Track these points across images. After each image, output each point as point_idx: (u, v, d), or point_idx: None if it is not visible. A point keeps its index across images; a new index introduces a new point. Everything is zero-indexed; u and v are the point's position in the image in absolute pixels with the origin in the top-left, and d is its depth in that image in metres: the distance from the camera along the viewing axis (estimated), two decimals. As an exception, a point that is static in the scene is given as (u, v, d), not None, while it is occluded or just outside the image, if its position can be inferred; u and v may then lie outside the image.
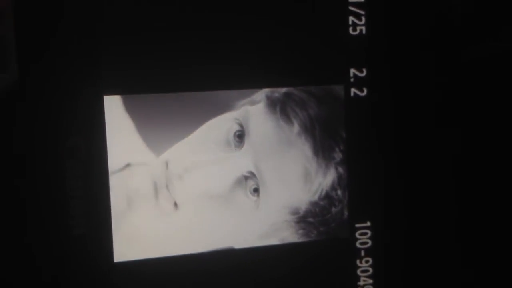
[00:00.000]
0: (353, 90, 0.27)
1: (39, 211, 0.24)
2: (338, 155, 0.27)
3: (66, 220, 0.24)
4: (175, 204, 0.25)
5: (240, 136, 0.26)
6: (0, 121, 0.23)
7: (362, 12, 0.27)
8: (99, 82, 0.24)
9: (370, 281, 0.28)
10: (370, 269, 0.28)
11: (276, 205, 0.26)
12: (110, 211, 0.24)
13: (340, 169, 0.27)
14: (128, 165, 0.25)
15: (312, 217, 0.26)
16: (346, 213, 0.27)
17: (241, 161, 0.26)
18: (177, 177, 0.25)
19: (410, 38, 0.27)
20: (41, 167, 0.24)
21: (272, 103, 0.26)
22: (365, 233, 0.27)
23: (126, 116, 0.24)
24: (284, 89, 0.26)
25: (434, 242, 0.28)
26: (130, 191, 0.25)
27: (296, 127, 0.26)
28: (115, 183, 0.24)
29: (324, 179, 0.26)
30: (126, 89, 0.24)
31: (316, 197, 0.26)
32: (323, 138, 0.26)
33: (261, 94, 0.26)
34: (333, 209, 0.27)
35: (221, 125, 0.25)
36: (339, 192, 0.27)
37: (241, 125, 0.26)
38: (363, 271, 0.28)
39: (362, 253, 0.27)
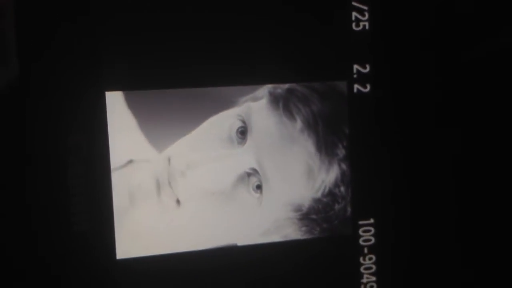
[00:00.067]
0: (356, 86, 0.27)
1: (41, 208, 0.24)
2: (341, 152, 0.26)
3: (68, 217, 0.24)
4: (178, 201, 0.25)
5: (243, 132, 0.26)
6: (1, 118, 0.23)
7: (365, 7, 0.26)
8: (101, 78, 0.24)
9: (373, 278, 0.27)
10: (373, 267, 0.27)
11: (279, 202, 0.26)
12: (112, 208, 0.24)
13: (343, 166, 0.27)
14: (130, 161, 0.25)
15: (315, 214, 0.26)
16: (349, 210, 0.27)
17: (244, 158, 0.26)
18: (179, 173, 0.25)
19: (413, 34, 0.27)
20: (43, 164, 0.24)
21: (274, 99, 0.26)
22: (368, 230, 0.27)
23: (128, 112, 0.24)
24: (287, 85, 0.26)
25: (438, 240, 0.28)
26: (132, 188, 0.25)
27: (299, 123, 0.26)
28: (117, 179, 0.24)
29: (327, 176, 0.26)
30: (128, 85, 0.24)
31: (319, 194, 0.26)
32: (326, 134, 0.26)
33: (263, 90, 0.26)
34: (336, 206, 0.27)
35: (224, 121, 0.25)
36: (342, 188, 0.27)
37: (243, 122, 0.26)
38: (366, 269, 0.27)
39: (365, 250, 0.27)
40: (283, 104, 0.26)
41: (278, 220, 0.26)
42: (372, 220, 0.27)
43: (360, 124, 0.27)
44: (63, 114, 0.24)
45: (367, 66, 0.27)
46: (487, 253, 0.28)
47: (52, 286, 0.24)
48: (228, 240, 0.26)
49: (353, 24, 0.26)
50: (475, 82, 0.28)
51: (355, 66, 0.27)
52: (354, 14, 0.26)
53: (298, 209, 0.26)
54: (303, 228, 0.26)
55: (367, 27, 0.26)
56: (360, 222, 0.27)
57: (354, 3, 0.26)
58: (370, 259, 0.27)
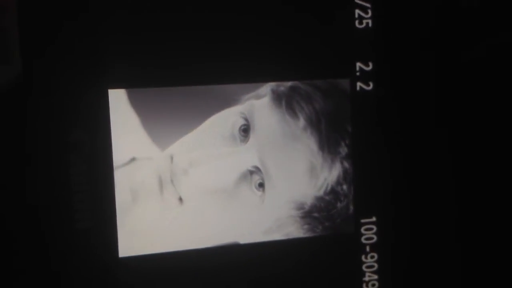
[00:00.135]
0: (359, 84, 0.27)
1: (44, 205, 0.24)
2: (343, 150, 0.26)
3: (70, 215, 0.24)
4: (180, 199, 0.25)
5: (245, 130, 0.26)
6: (4, 116, 0.23)
7: (368, 5, 0.26)
8: (104, 76, 0.24)
9: (375, 276, 0.27)
10: (375, 265, 0.27)
11: (281, 200, 0.26)
12: (115, 206, 0.24)
13: (346, 164, 0.26)
14: (133, 159, 0.25)
15: (317, 212, 0.26)
16: (351, 208, 0.27)
17: (246, 156, 0.26)
18: (182, 171, 0.25)
19: (417, 32, 0.27)
20: (45, 162, 0.24)
21: (277, 97, 0.26)
22: (371, 229, 0.27)
23: (131, 110, 0.24)
24: (289, 83, 0.26)
25: (440, 238, 0.28)
26: (135, 186, 0.25)
27: (301, 121, 0.26)
28: (119, 177, 0.24)
29: (329, 174, 0.26)
30: (131, 82, 0.24)
31: (321, 192, 0.26)
32: (328, 132, 0.26)
33: (266, 88, 0.26)
34: (339, 204, 0.27)
35: (226, 119, 0.25)
36: (344, 187, 0.27)
37: (246, 119, 0.26)
38: (368, 267, 0.27)
39: (368, 248, 0.27)
40: (286, 102, 0.26)
41: (281, 218, 0.26)
42: (374, 218, 0.27)
43: (363, 122, 0.27)
44: (66, 111, 0.24)
45: (370, 64, 0.27)
46: (488, 252, 0.28)
47: (54, 284, 0.24)
48: (230, 238, 0.26)
49: (356, 22, 0.26)
50: (476, 81, 0.28)
51: (358, 64, 0.26)
52: (357, 11, 0.26)
53: (300, 207, 0.26)
54: (305, 226, 0.26)
55: (370, 25, 0.26)
56: (362, 220, 0.27)
57: (357, 1, 0.26)
58: (372, 257, 0.27)
